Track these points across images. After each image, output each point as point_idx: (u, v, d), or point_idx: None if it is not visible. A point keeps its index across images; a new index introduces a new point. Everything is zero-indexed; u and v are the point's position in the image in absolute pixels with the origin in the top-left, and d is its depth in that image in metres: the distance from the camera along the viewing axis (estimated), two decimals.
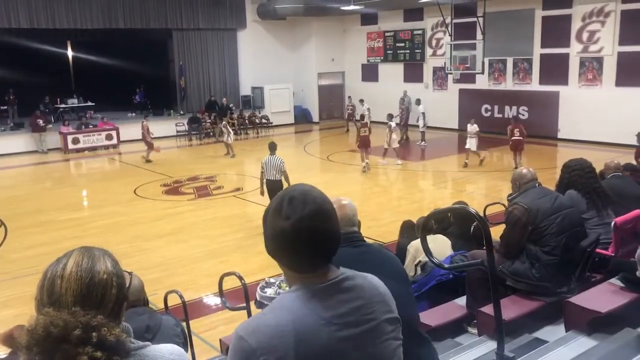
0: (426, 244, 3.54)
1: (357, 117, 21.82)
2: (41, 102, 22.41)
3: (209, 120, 22.94)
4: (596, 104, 18.15)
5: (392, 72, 24.66)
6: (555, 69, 19.20)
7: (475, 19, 17.56)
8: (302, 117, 26.43)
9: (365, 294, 1.67)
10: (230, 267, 6.85)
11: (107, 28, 21.77)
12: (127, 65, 24.36)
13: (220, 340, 5.48)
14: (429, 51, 23.28)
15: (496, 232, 4.69)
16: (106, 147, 20.96)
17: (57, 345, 1.36)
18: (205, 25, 23.82)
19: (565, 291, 4.39)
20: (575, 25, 18.55)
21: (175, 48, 23.90)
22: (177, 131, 22.81)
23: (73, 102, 24.27)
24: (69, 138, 20.32)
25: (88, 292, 1.46)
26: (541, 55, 19.63)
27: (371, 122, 17.94)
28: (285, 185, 10.05)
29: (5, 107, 22.46)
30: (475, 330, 4.44)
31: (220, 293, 5.20)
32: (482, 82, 21.07)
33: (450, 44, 18.33)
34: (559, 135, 19.32)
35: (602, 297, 4.21)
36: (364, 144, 15.78)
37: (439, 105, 22.13)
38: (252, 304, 5.12)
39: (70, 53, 26.46)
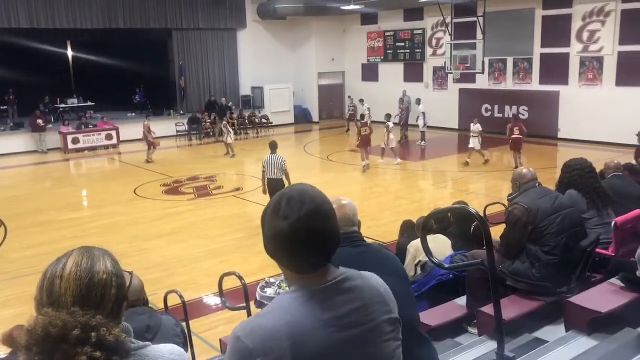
0: (426, 244, 3.54)
1: (358, 117, 21.82)
2: (41, 102, 22.41)
3: (209, 120, 22.94)
4: (596, 104, 18.15)
5: (392, 72, 24.66)
6: (555, 69, 19.20)
7: (475, 19, 17.56)
8: (302, 117, 26.43)
9: (365, 295, 1.66)
10: (230, 267, 6.85)
11: (107, 28, 21.77)
12: (127, 65, 24.37)
13: (220, 340, 5.49)
14: (429, 51, 23.28)
15: (496, 232, 4.68)
16: (106, 147, 20.96)
17: (56, 346, 1.36)
18: (206, 25, 23.82)
19: (565, 291, 4.38)
20: (576, 25, 18.55)
21: (175, 48, 23.90)
22: (177, 131, 22.81)
23: (73, 102, 24.27)
24: (69, 138, 20.32)
25: (87, 292, 1.46)
26: (541, 55, 19.63)
27: (372, 122, 17.93)
28: (286, 184, 10.07)
29: (5, 107, 22.46)
30: (475, 330, 4.43)
31: (221, 293, 5.19)
32: (483, 82, 21.07)
33: (451, 44, 18.34)
34: (559, 135, 19.31)
35: (603, 297, 4.21)
36: (364, 143, 15.81)
37: (439, 105, 22.13)
38: (252, 304, 5.12)
39: (70, 53, 26.47)
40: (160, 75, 26.42)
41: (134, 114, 24.48)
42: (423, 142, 19.65)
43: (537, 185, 4.66)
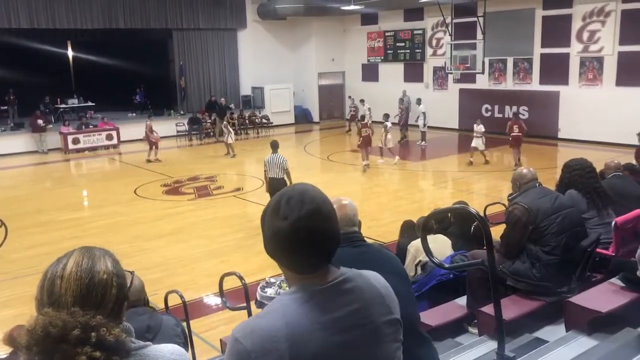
0: (426, 244, 3.54)
1: (359, 118, 21.81)
2: (41, 102, 22.41)
3: (209, 121, 22.95)
4: (596, 104, 18.15)
5: (392, 72, 24.66)
6: (555, 69, 19.20)
7: (475, 19, 17.55)
8: (302, 117, 26.43)
9: (365, 296, 1.65)
10: (230, 267, 6.85)
11: (107, 28, 21.77)
12: (128, 65, 24.37)
13: (220, 340, 5.49)
14: (429, 51, 23.28)
15: (496, 232, 4.69)
16: (106, 147, 20.96)
17: (56, 345, 1.36)
18: (206, 25, 23.82)
19: (565, 291, 4.38)
20: (576, 25, 18.55)
21: (176, 48, 23.90)
22: (178, 131, 22.82)
23: (73, 102, 24.26)
24: (69, 138, 20.32)
25: (88, 292, 1.46)
26: (541, 55, 19.63)
27: (372, 122, 17.93)
28: (288, 183, 10.09)
29: (6, 107, 22.46)
30: (475, 330, 4.44)
31: (221, 293, 5.19)
32: (483, 82, 21.07)
33: (451, 44, 18.34)
34: (559, 135, 19.31)
35: (603, 296, 4.21)
36: (365, 144, 15.84)
37: (439, 105, 22.13)
38: (252, 304, 5.12)
39: (70, 53, 26.47)
40: (161, 75, 26.43)
41: (134, 114, 24.50)
42: (423, 142, 19.65)
43: (537, 185, 4.66)
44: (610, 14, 17.65)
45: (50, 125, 20.97)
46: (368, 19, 25.01)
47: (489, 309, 3.99)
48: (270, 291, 5.35)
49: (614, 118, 17.56)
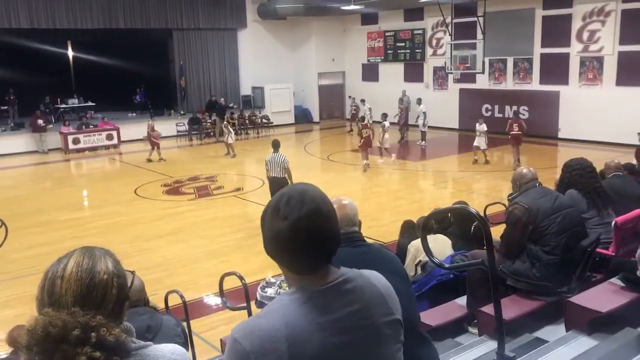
0: (426, 244, 3.54)
1: (359, 118, 21.81)
2: (41, 102, 22.41)
3: (210, 120, 22.95)
4: (596, 104, 18.15)
5: (392, 72, 24.66)
6: (555, 69, 19.20)
7: (475, 19, 17.55)
8: (302, 117, 26.43)
9: (365, 296, 1.65)
10: (230, 267, 6.85)
11: (108, 28, 21.78)
12: (128, 65, 24.37)
13: (220, 340, 5.49)
14: (429, 51, 23.28)
15: (497, 231, 4.69)
16: (107, 147, 20.97)
17: (56, 346, 1.36)
18: (206, 25, 23.83)
19: (565, 291, 4.38)
20: (576, 24, 18.55)
21: (176, 48, 23.90)
22: (178, 131, 22.83)
23: (73, 102, 24.25)
24: (70, 138, 20.33)
25: (88, 292, 1.46)
26: (541, 54, 19.63)
27: (373, 122, 17.94)
28: (289, 182, 10.12)
29: (6, 107, 22.46)
30: (475, 330, 4.44)
31: (221, 293, 5.19)
32: (483, 82, 21.07)
33: (451, 44, 18.34)
34: (560, 135, 19.31)
35: (603, 296, 4.21)
36: (365, 144, 15.89)
37: (440, 105, 22.13)
38: (252, 303, 5.12)
39: (70, 53, 26.46)
40: (161, 75, 26.43)
41: (134, 114, 24.51)
42: (423, 142, 19.65)
43: (537, 185, 4.66)
44: (610, 13, 17.65)
45: (51, 125, 20.98)
46: (368, 18, 25.01)
47: (489, 308, 3.99)
48: (270, 291, 5.35)
49: (614, 118, 17.56)
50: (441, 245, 5.47)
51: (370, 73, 25.73)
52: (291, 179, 10.36)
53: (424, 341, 2.61)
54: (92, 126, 21.31)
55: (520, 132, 15.36)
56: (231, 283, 5.64)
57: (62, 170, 18.57)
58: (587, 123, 18.31)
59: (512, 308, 4.23)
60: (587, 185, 5.19)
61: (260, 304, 5.23)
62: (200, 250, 9.75)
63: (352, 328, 1.60)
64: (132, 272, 1.62)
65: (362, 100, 22.14)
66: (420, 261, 5.38)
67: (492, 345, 3.77)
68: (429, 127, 19.71)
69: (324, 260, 1.62)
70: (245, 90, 25.42)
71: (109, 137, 21.13)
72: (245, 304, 4.92)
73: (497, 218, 7.31)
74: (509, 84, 20.71)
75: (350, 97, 25.14)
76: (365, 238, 2.83)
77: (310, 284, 1.60)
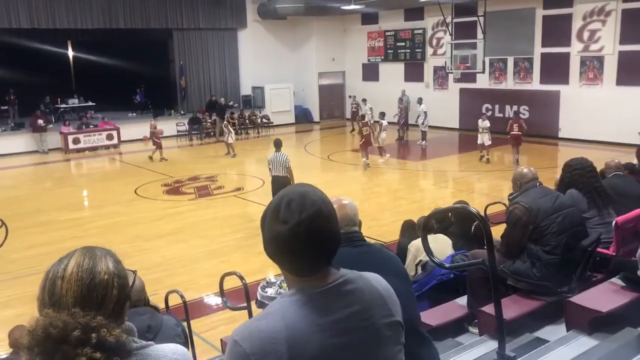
0: (427, 244, 3.54)
1: (360, 116, 21.82)
2: (42, 102, 22.42)
3: (210, 120, 22.95)
4: (597, 103, 18.14)
5: (392, 72, 24.66)
6: (556, 68, 19.20)
7: (475, 18, 17.54)
8: (302, 116, 26.43)
9: (365, 297, 1.64)
10: (230, 267, 6.84)
11: (108, 28, 21.78)
12: (128, 65, 24.36)
13: (221, 340, 5.49)
14: (429, 50, 23.28)
15: (497, 231, 4.68)
16: (107, 147, 20.97)
17: (56, 346, 1.36)
18: (206, 25, 23.83)
19: (566, 290, 4.38)
20: (576, 24, 18.55)
21: (176, 48, 23.91)
22: (178, 131, 22.83)
23: (73, 102, 24.25)
24: (70, 138, 20.33)
25: (88, 293, 1.46)
26: (542, 54, 19.63)
27: (374, 122, 17.96)
28: (291, 181, 10.16)
29: (6, 107, 22.46)
30: (476, 330, 4.43)
31: (221, 293, 5.19)
32: (483, 82, 21.07)
33: (451, 44, 18.33)
34: (560, 135, 19.31)
35: (603, 296, 4.21)
36: (366, 143, 15.93)
37: (440, 105, 22.12)
38: (253, 303, 5.12)
39: (70, 53, 26.46)
40: (161, 75, 26.43)
41: (134, 114, 24.53)
42: (424, 142, 19.65)
43: (537, 184, 4.66)
44: (611, 13, 17.65)
45: (51, 125, 20.98)
46: (368, 18, 25.01)
47: (489, 308, 3.99)
48: (270, 291, 5.35)
49: (615, 117, 17.56)
50: (442, 245, 5.47)
51: (370, 73, 25.73)
52: (293, 178, 10.38)
53: (425, 341, 2.61)
54: (92, 126, 21.31)
55: (520, 133, 15.38)
56: (231, 283, 5.64)
57: (62, 170, 18.57)
58: (588, 123, 18.30)
59: (513, 308, 4.23)
60: (587, 185, 5.19)
61: (261, 304, 5.23)
62: (200, 250, 9.75)
63: (352, 329, 1.59)
64: (134, 272, 1.61)
65: (364, 100, 22.13)
66: (420, 261, 5.38)
67: (492, 345, 3.76)
68: (429, 126, 19.71)
69: (324, 262, 1.62)
70: (246, 90, 25.42)
71: (109, 137, 21.13)
72: (245, 304, 4.92)
73: (497, 218, 7.31)
74: (510, 83, 20.71)
75: (350, 96, 25.14)
76: (365, 238, 2.83)
77: (310, 286, 1.60)
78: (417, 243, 5.43)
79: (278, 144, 10.75)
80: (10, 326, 4.43)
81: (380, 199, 13.16)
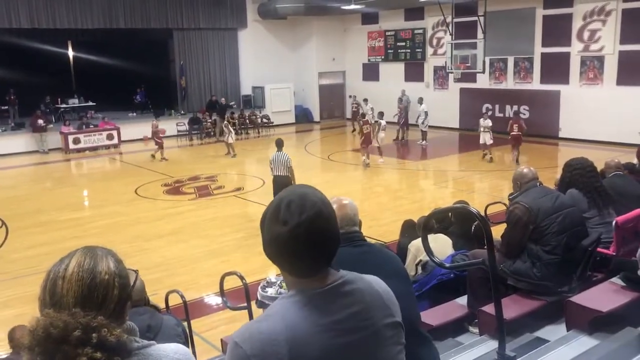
0: (427, 243, 3.54)
1: (360, 115, 21.80)
2: (42, 102, 22.41)
3: (210, 120, 22.95)
4: (597, 103, 18.14)
5: (392, 72, 24.66)
6: (556, 68, 19.19)
7: (476, 18, 17.54)
8: (302, 116, 26.43)
9: (365, 299, 1.64)
10: (231, 267, 6.84)
11: (108, 28, 21.78)
12: (128, 65, 24.35)
13: (221, 340, 5.49)
14: (429, 50, 23.28)
15: (497, 231, 4.68)
16: (107, 147, 20.97)
17: (57, 346, 1.36)
18: (206, 24, 23.83)
19: (566, 290, 4.38)
20: (576, 24, 18.54)
21: (176, 48, 23.90)
22: (178, 131, 22.83)
23: (74, 102, 24.24)
24: (70, 138, 20.33)
25: (89, 293, 1.46)
26: (542, 54, 19.62)
27: (375, 121, 17.96)
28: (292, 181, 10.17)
29: (6, 107, 22.46)
30: (476, 330, 4.43)
31: (222, 293, 5.19)
32: (483, 81, 21.07)
33: (451, 43, 18.33)
34: (560, 135, 19.30)
35: (603, 296, 4.21)
36: (366, 141, 15.93)
37: (440, 105, 22.11)
38: (253, 303, 5.12)
39: (71, 53, 26.45)
40: (161, 75, 26.42)
41: (134, 114, 24.53)
42: (424, 142, 19.64)
43: (537, 184, 4.66)
44: (611, 13, 17.64)
45: (51, 125, 20.98)
46: (369, 18, 25.01)
47: (489, 308, 3.99)
48: (271, 291, 5.35)
49: (615, 117, 17.55)
50: (442, 245, 5.47)
51: (370, 73, 25.72)
52: (294, 177, 10.39)
53: (425, 341, 2.61)
54: (92, 126, 21.31)
55: (520, 133, 15.39)
56: (232, 283, 5.64)
57: (63, 170, 18.57)
58: (588, 122, 18.30)
59: (513, 308, 4.23)
60: (587, 185, 5.18)
61: (261, 304, 5.23)
62: (200, 250, 9.75)
63: (354, 330, 1.60)
64: (136, 272, 1.61)
65: (365, 100, 22.10)
66: (420, 261, 5.38)
67: (492, 344, 3.76)
68: (429, 126, 19.71)
69: (324, 263, 1.62)
70: (246, 90, 25.42)
71: (110, 137, 21.13)
72: (245, 304, 4.92)
73: (497, 217, 7.30)
74: (510, 83, 20.70)
75: (351, 96, 25.14)
76: (366, 238, 2.82)
77: (309, 287, 1.60)
78: (417, 243, 5.43)
79: (280, 144, 10.76)
80: (10, 326, 4.43)
81: (381, 199, 13.16)
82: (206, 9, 23.62)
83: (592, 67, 18.40)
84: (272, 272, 6.52)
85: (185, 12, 23.16)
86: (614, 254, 4.84)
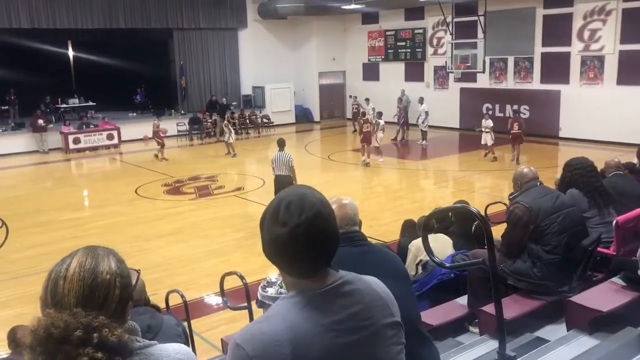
0: (427, 243, 3.54)
1: (360, 114, 21.78)
2: (42, 102, 22.42)
3: (210, 120, 22.96)
4: (597, 103, 18.14)
5: (393, 71, 24.66)
6: (556, 68, 19.19)
7: (476, 18, 17.54)
8: (303, 116, 26.43)
9: (365, 299, 1.65)
10: (231, 267, 6.84)
11: (108, 28, 21.78)
12: (128, 65, 24.36)
13: (221, 340, 5.49)
14: (429, 50, 23.28)
15: (497, 231, 4.68)
16: (107, 147, 20.97)
17: (58, 346, 1.36)
18: (206, 24, 23.83)
19: (566, 290, 4.38)
20: (577, 23, 18.54)
21: (176, 48, 23.90)
22: (178, 131, 22.83)
23: (74, 102, 24.24)
24: (70, 138, 20.33)
25: (90, 293, 1.46)
26: (542, 54, 19.62)
27: (375, 121, 17.96)
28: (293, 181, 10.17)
29: (6, 107, 22.46)
30: (476, 330, 4.43)
31: (222, 292, 5.20)
32: (483, 81, 21.07)
33: (451, 43, 18.34)
34: (560, 134, 19.30)
35: (604, 296, 4.21)
36: (366, 139, 15.92)
37: (440, 105, 22.11)
38: (253, 303, 5.12)
39: (71, 53, 26.46)
40: (161, 75, 26.42)
41: (135, 114, 24.52)
42: (424, 142, 19.64)
43: (538, 184, 4.66)
44: (611, 12, 17.64)
45: (51, 125, 20.97)
46: (369, 18, 25.01)
47: (489, 308, 3.99)
48: (271, 290, 5.34)
49: (615, 117, 17.55)
50: (442, 245, 5.47)
51: (370, 72, 25.72)
52: (295, 177, 10.40)
53: (425, 341, 2.61)
54: (92, 126, 21.31)
55: (520, 131, 15.42)
56: (232, 283, 5.64)
57: (63, 170, 18.58)
58: (588, 122, 18.30)
59: (513, 307, 4.23)
60: (588, 185, 5.19)
61: (261, 304, 5.23)
62: (200, 250, 9.75)
63: (353, 330, 1.60)
64: (137, 271, 1.61)
65: (367, 99, 22.06)
66: (421, 260, 5.38)
67: (493, 344, 3.76)
68: (429, 126, 19.70)
69: (324, 264, 1.62)
70: (246, 89, 25.42)
71: (110, 137, 21.13)
72: (246, 304, 4.92)
73: (498, 217, 7.30)
74: (510, 83, 20.70)
75: (351, 96, 25.14)
76: (367, 238, 2.82)
77: (309, 287, 1.60)
78: (417, 243, 5.42)
79: (282, 144, 10.78)
80: (10, 326, 4.43)
81: (381, 199, 13.16)
82: (206, 9, 23.62)
83: (593, 66, 18.40)
84: (272, 272, 6.52)
85: (186, 12, 23.16)
86: (614, 253, 4.84)
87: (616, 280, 4.43)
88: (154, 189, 14.47)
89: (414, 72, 23.86)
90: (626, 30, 17.41)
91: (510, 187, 5.26)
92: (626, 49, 17.50)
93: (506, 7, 19.46)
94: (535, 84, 19.97)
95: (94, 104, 24.43)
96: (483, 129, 16.14)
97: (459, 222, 6.17)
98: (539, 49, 19.67)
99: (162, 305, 5.64)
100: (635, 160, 8.92)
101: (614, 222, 4.76)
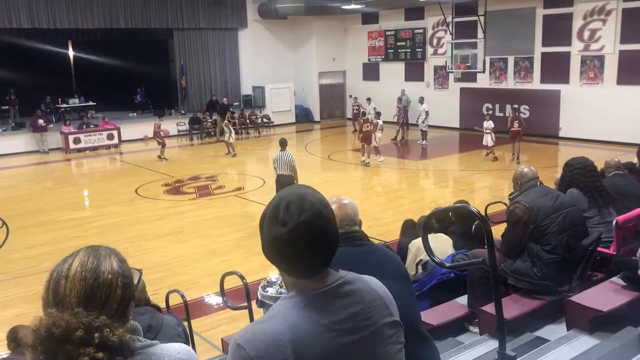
0: (427, 243, 3.54)
1: (360, 114, 21.78)
2: (42, 102, 22.41)
3: (210, 120, 22.96)
4: (597, 103, 18.14)
5: (393, 71, 24.66)
6: (556, 68, 19.19)
7: (476, 18, 17.55)
8: (303, 116, 26.43)
9: (365, 298, 1.65)
10: (231, 267, 6.86)
11: (108, 28, 21.78)
12: (128, 65, 24.38)
13: (222, 339, 5.50)
14: (430, 50, 23.27)
15: (497, 231, 4.69)
16: (107, 147, 20.97)
17: (59, 346, 1.37)
18: (206, 24, 23.83)
19: (566, 290, 4.38)
20: (577, 23, 18.54)
21: (176, 48, 23.90)
22: (179, 131, 22.83)
23: (74, 102, 24.24)
24: (70, 138, 20.33)
25: (92, 292, 1.46)
26: (542, 53, 19.62)
27: (375, 121, 17.98)
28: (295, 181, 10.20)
29: (7, 107, 22.45)
30: (476, 329, 4.43)
31: (222, 292, 5.20)
32: (484, 81, 21.07)
33: (451, 43, 18.34)
34: (561, 134, 19.30)
35: (604, 295, 4.21)
36: (365, 139, 15.92)
37: (440, 104, 22.10)
38: (253, 303, 5.12)
39: (71, 53, 26.47)
40: (162, 75, 26.43)
41: (135, 114, 24.53)
42: (424, 141, 19.64)
43: (538, 184, 4.66)
44: (611, 12, 17.64)
45: (51, 125, 20.97)
46: (369, 18, 25.01)
47: (490, 308, 3.99)
48: (271, 290, 5.35)
49: (615, 117, 17.55)
50: (442, 245, 5.47)
51: (371, 72, 25.72)
52: (297, 177, 10.43)
53: (425, 340, 2.61)
54: (92, 126, 21.31)
55: (519, 129, 15.45)
56: (232, 282, 5.64)
57: (63, 170, 18.58)
58: (588, 122, 18.30)
59: (513, 307, 4.23)
60: (588, 184, 5.19)
61: (261, 304, 5.23)
62: (201, 250, 9.75)
63: (353, 330, 1.60)
64: (139, 271, 1.61)
65: (368, 99, 22.05)
66: (421, 260, 5.38)
67: (493, 344, 3.77)
68: (429, 126, 19.70)
69: (323, 264, 1.62)
70: (246, 89, 25.42)
71: (110, 137, 21.13)
72: (246, 304, 4.92)
73: (498, 217, 7.31)
74: (510, 83, 20.70)
75: (351, 96, 25.14)
76: (368, 237, 2.82)
77: (309, 287, 1.60)
78: (417, 242, 5.43)
79: (283, 143, 10.81)
80: (10, 326, 4.43)
81: (381, 199, 13.16)
82: (206, 9, 23.62)
83: (593, 66, 18.40)
84: (272, 272, 6.52)
85: (186, 12, 23.15)
86: (614, 253, 4.84)
87: (616, 280, 4.44)
88: (154, 188, 14.47)
89: (414, 72, 23.86)
90: (626, 30, 17.41)
91: (510, 186, 5.26)
92: (626, 48, 17.50)
93: (506, 7, 19.46)
94: (535, 83, 19.97)
95: (94, 104, 24.44)
96: (484, 130, 16.15)
97: (459, 221, 6.17)
98: (539, 49, 19.67)
99: (163, 305, 5.65)
100: (635, 160, 8.94)
101: (614, 221, 4.76)
